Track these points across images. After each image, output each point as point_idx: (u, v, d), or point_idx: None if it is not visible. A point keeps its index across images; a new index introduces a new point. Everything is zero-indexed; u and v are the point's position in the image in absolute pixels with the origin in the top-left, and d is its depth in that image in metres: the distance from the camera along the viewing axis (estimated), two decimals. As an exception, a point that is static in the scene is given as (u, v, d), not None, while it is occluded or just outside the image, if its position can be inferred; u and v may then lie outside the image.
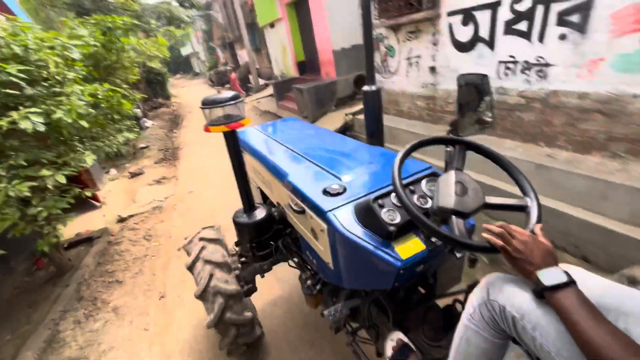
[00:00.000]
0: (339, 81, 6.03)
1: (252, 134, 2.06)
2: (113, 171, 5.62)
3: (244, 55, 14.40)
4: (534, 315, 0.69)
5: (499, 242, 0.75)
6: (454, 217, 0.82)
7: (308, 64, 8.48)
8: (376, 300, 1.28)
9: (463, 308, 0.90)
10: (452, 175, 0.88)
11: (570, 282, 0.64)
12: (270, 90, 9.85)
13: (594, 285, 0.72)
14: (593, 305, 0.60)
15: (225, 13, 15.87)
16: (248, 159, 1.87)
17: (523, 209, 0.85)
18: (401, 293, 1.24)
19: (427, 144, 0.97)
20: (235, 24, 13.43)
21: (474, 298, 0.83)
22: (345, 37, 6.15)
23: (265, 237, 1.55)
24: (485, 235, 0.78)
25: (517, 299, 0.73)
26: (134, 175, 5.40)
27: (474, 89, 1.12)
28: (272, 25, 9.37)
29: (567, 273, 0.65)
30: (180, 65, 42.28)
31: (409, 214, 0.82)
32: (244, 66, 14.05)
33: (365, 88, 1.61)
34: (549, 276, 0.66)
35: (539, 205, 0.84)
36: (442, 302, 1.24)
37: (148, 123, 8.73)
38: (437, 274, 1.16)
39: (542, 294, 0.66)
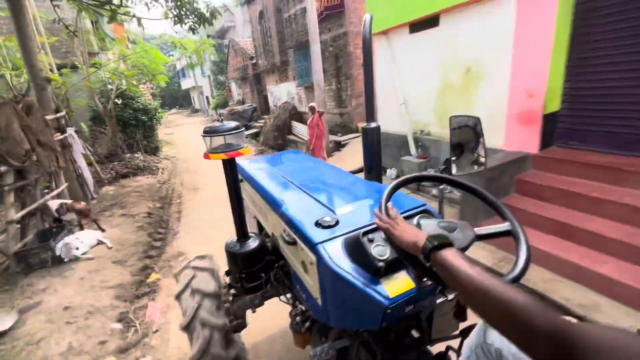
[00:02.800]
0: None
1: (253, 164, 2.08)
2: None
3: (278, 91, 11.36)
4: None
5: (383, 224, 0.83)
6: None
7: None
8: (365, 342, 1.22)
9: (457, 355, 0.91)
10: (434, 221, 0.91)
11: (451, 244, 0.68)
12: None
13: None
14: (471, 258, 0.62)
15: (261, 31, 12.20)
16: (247, 188, 1.89)
17: (509, 232, 0.88)
18: (392, 336, 1.19)
19: (412, 181, 1.00)
20: (280, 44, 10.71)
21: (471, 340, 0.84)
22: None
23: (257, 267, 1.50)
24: (376, 215, 0.87)
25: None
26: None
27: (470, 131, 1.14)
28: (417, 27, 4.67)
29: (447, 237, 0.70)
30: (178, 99, 42.42)
31: (395, 249, 0.82)
32: (283, 108, 10.57)
33: (365, 125, 1.61)
34: (429, 241, 0.69)
35: (520, 226, 0.87)
36: (435, 349, 1.21)
37: (77, 241, 3.40)
38: (432, 318, 1.12)
39: (429, 257, 0.68)
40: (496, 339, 0.79)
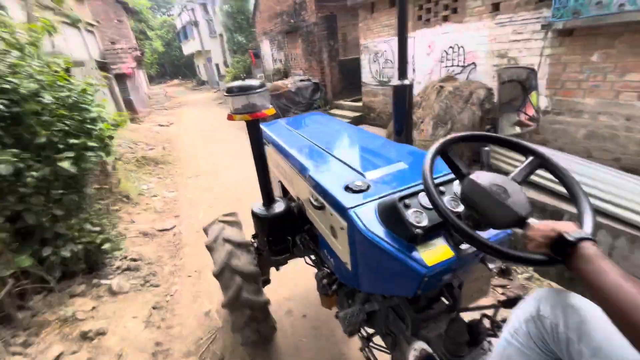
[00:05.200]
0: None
1: (277, 127, 2.02)
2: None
3: (423, 43, 5.14)
4: (595, 340, 0.64)
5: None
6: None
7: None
8: (395, 306, 1.18)
9: (492, 324, 0.95)
10: (493, 174, 0.79)
11: (591, 239, 0.62)
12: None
13: None
14: (617, 266, 0.56)
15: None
16: (270, 152, 1.82)
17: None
18: (423, 301, 1.15)
19: (462, 140, 0.89)
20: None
21: (520, 312, 0.79)
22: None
23: (283, 231, 1.53)
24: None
25: (575, 318, 0.68)
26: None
27: (519, 86, 0.96)
28: None
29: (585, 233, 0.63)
30: (180, 68, 35.47)
31: (440, 214, 0.75)
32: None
33: (396, 82, 1.55)
34: (576, 234, 0.62)
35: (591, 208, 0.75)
36: (466, 316, 1.15)
37: None
38: (462, 285, 1.08)
39: (567, 251, 0.62)
40: (551, 312, 0.72)
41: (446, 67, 4.73)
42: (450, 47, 4.55)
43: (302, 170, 1.35)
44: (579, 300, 0.71)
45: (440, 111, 3.99)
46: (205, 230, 1.81)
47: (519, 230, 0.73)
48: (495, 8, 3.86)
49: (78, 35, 8.02)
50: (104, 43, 12.95)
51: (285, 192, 1.89)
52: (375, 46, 6.00)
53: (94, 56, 8.71)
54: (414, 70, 5.31)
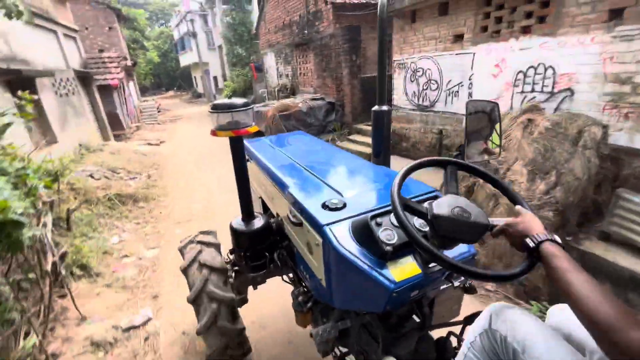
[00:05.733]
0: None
1: (260, 144, 2.06)
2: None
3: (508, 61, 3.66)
4: (537, 350, 0.70)
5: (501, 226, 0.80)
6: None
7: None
8: (368, 324, 1.20)
9: (458, 341, 1.02)
10: (449, 198, 0.85)
11: (555, 241, 0.70)
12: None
13: None
14: (575, 262, 0.64)
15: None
16: (253, 168, 1.86)
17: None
18: (394, 319, 1.16)
19: (423, 165, 0.95)
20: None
21: (476, 326, 0.85)
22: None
23: (261, 247, 1.52)
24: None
25: (520, 331, 0.75)
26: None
27: (485, 117, 1.14)
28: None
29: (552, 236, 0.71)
30: (176, 79, 34.50)
31: (407, 234, 0.79)
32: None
33: (375, 108, 1.56)
34: (541, 236, 0.70)
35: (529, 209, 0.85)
36: (436, 334, 1.21)
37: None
38: (434, 304, 1.11)
39: (537, 250, 0.69)
40: (502, 325, 0.79)
41: (522, 92, 3.61)
42: (532, 67, 3.44)
43: (282, 187, 1.38)
44: (524, 315, 0.79)
45: (536, 155, 2.83)
46: (181, 252, 1.76)
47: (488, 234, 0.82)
48: (615, 15, 2.78)
49: (53, 40, 6.82)
50: (91, 51, 11.79)
51: (265, 208, 1.91)
52: (415, 63, 4.91)
53: (72, 65, 7.49)
54: (470, 94, 4.20)
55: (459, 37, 4.17)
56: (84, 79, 8.12)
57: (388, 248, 0.88)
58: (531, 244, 0.70)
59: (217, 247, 1.72)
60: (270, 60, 11.18)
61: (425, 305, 1.11)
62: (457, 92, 4.36)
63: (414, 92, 5.06)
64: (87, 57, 9.69)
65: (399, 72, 5.26)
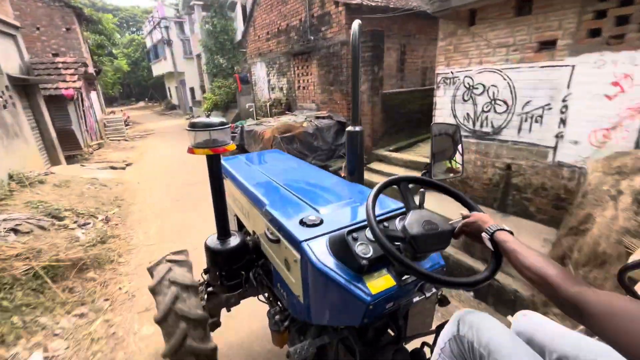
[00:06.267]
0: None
1: (236, 162, 2.07)
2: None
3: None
4: (500, 354, 0.76)
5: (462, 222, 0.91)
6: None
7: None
8: (345, 339, 1.20)
9: (431, 351, 0.99)
10: (416, 215, 0.90)
11: (507, 230, 0.79)
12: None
13: (551, 331, 0.85)
14: (523, 243, 0.73)
15: None
16: (229, 186, 1.86)
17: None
18: (370, 333, 1.19)
19: (394, 183, 0.98)
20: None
21: (445, 333, 0.90)
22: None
23: (237, 266, 1.49)
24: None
25: (486, 336, 0.80)
26: None
27: (449, 139, 1.23)
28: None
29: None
30: (148, 89, 32.27)
31: (383, 249, 0.82)
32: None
33: (349, 129, 1.65)
34: (493, 227, 0.81)
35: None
36: (411, 346, 1.23)
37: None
38: (407, 317, 1.15)
39: (493, 238, 0.79)
40: (468, 331, 0.83)
41: (659, 122, 2.55)
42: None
43: (259, 204, 1.38)
44: (490, 321, 0.85)
45: None
46: (150, 272, 1.70)
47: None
48: None
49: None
50: (43, 55, 9.93)
51: (240, 226, 1.92)
52: (471, 77, 3.79)
53: (8, 70, 5.78)
54: (562, 120, 3.10)
55: (547, 45, 3.09)
56: (25, 87, 6.38)
57: (364, 262, 0.92)
58: (486, 235, 0.81)
59: (189, 265, 1.71)
60: (259, 71, 9.85)
61: (400, 318, 1.14)
62: (541, 117, 3.25)
63: (468, 115, 3.93)
64: (33, 61, 7.90)
65: (444, 88, 4.13)
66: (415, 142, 6.33)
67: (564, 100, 3.04)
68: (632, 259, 2.46)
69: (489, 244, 0.81)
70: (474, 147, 3.94)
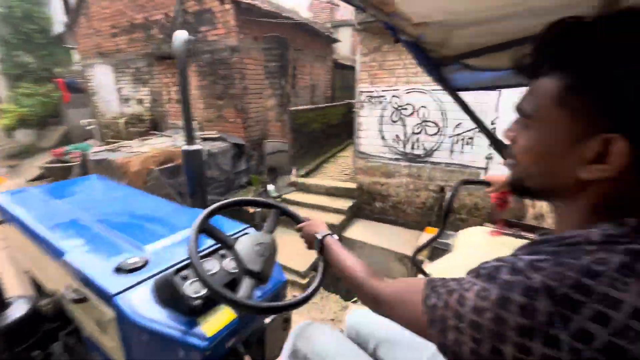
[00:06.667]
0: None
1: (25, 196, 1.57)
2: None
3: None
4: (329, 356, 0.80)
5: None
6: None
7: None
8: None
9: None
10: (252, 237, 0.83)
11: (332, 235, 0.79)
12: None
13: (372, 321, 0.90)
14: (344, 248, 0.73)
15: None
16: (11, 232, 1.42)
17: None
18: None
19: (220, 209, 0.86)
20: None
21: (284, 350, 0.88)
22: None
23: (27, 344, 1.16)
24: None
25: (317, 344, 0.83)
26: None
27: (284, 155, 1.64)
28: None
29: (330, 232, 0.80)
30: None
31: (205, 285, 0.70)
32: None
33: (185, 147, 1.54)
34: (322, 233, 0.78)
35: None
36: None
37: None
38: (264, 338, 1.04)
39: (322, 243, 0.77)
40: (303, 343, 0.85)
41: None
42: None
43: (56, 253, 1.05)
44: (320, 328, 0.88)
45: None
46: None
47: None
48: None
49: None
50: None
51: (39, 286, 1.54)
52: (398, 97, 3.54)
53: None
54: (495, 142, 3.20)
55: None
56: None
57: (197, 302, 0.81)
58: (317, 241, 0.78)
59: None
60: (102, 76, 7.25)
61: (254, 343, 1.03)
62: (471, 139, 3.28)
63: (398, 137, 3.68)
64: None
65: (369, 107, 3.76)
66: (321, 163, 5.89)
67: (492, 123, 3.14)
68: (419, 242, 2.81)
69: (317, 249, 0.78)
70: (405, 171, 3.73)
